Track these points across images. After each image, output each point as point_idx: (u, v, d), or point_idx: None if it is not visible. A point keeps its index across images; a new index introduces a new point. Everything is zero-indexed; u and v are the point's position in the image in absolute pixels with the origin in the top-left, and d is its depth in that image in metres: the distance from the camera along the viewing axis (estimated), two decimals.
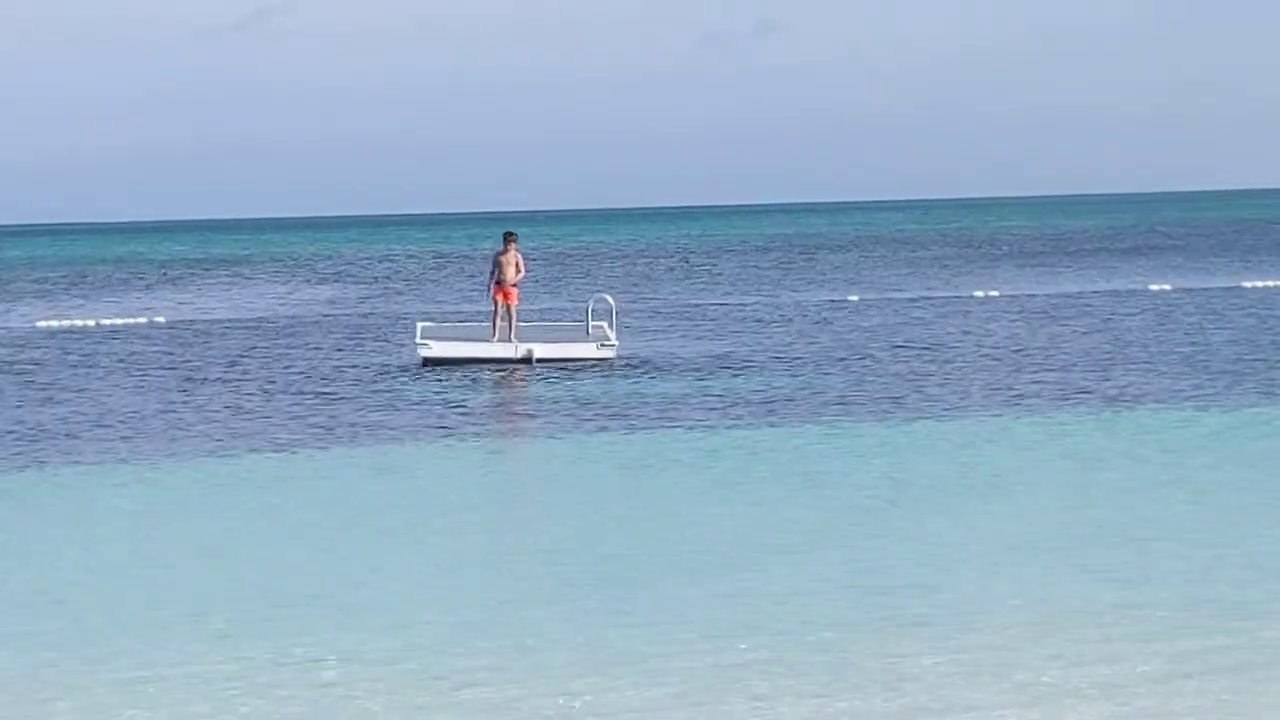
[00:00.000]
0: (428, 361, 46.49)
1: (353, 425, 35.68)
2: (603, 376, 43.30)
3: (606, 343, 46.68)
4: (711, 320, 63.68)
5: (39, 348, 58.59)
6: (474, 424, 35.85)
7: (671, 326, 60.85)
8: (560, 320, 55.18)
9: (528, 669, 17.24)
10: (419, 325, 50.12)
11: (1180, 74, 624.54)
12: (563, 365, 45.14)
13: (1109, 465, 28.77)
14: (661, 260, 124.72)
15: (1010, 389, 39.31)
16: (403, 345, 52.03)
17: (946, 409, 36.14)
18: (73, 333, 65.72)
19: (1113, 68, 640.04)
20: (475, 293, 74.27)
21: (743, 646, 17.74)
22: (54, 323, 71.08)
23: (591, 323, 48.38)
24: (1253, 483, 26.87)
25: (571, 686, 16.52)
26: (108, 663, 17.71)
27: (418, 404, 39.07)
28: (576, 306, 60.86)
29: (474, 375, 44.38)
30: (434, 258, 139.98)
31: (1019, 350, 48.64)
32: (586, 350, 46.35)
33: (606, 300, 49.73)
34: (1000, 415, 34.98)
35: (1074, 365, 43.97)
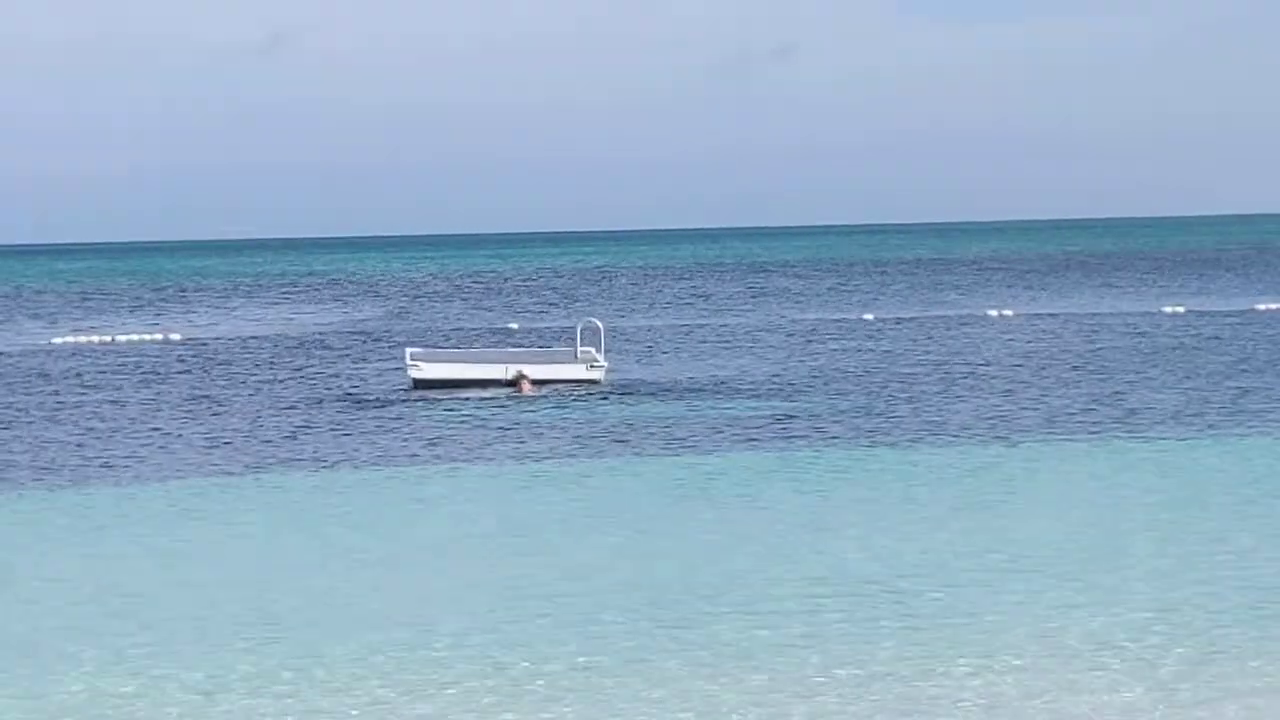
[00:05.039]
0: (418, 383, 46.28)
1: (337, 449, 35.10)
2: (590, 398, 42.83)
3: (595, 364, 46.44)
4: (713, 341, 62.91)
5: (56, 363, 58.51)
6: (462, 446, 35.17)
7: (671, 347, 60.19)
8: (552, 343, 55.19)
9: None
10: (408, 350, 50.08)
11: (1186, 102, 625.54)
12: (552, 387, 44.70)
13: (1112, 490, 28.02)
14: (672, 281, 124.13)
15: (1016, 411, 38.48)
16: (397, 366, 51.60)
17: (949, 431, 35.37)
18: (88, 350, 65.42)
19: (1122, 94, 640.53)
20: (479, 313, 73.76)
21: (760, 663, 17.54)
22: (70, 339, 70.70)
23: (581, 345, 48.05)
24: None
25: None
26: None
27: (406, 426, 38.55)
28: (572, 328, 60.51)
29: (463, 396, 43.91)
30: (454, 277, 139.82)
31: (1030, 371, 47.87)
32: (576, 372, 46.02)
33: (595, 323, 49.61)
34: (1004, 438, 34.20)
35: (1084, 384, 43.25)
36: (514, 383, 44.49)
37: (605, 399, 42.63)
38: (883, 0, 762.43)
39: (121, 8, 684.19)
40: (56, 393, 48.34)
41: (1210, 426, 35.32)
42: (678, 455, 32.97)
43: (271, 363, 57.62)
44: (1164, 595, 20.37)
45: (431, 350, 51.63)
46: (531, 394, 43.46)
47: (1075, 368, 48.76)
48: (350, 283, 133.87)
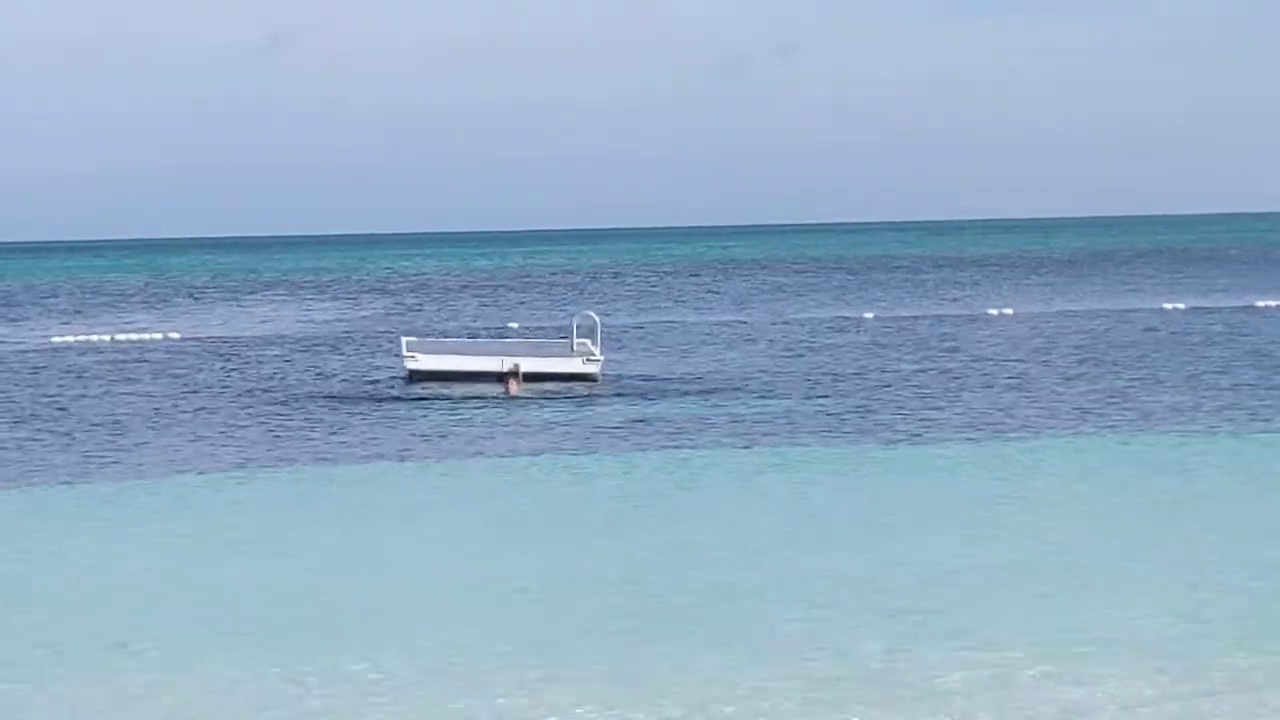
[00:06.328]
0: (414, 374, 46.22)
1: (330, 443, 35.06)
2: (585, 392, 42.74)
3: (591, 358, 46.30)
4: (712, 338, 62.79)
5: (59, 360, 58.40)
6: (457, 440, 35.06)
7: (669, 343, 60.06)
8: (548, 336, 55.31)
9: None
10: (403, 339, 49.97)
11: (1187, 100, 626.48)
12: (547, 379, 44.54)
13: (1121, 488, 27.73)
14: (671, 279, 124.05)
15: (1018, 408, 38.33)
16: (393, 358, 51.64)
17: (950, 428, 35.15)
18: (91, 348, 65.28)
19: (1122, 93, 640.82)
20: (479, 311, 73.46)
21: (755, 665, 17.34)
22: (70, 338, 70.56)
23: (576, 339, 47.99)
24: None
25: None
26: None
27: (401, 420, 38.52)
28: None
29: (459, 388, 43.80)
30: (455, 275, 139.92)
31: (1032, 368, 47.71)
32: (571, 365, 45.88)
33: (591, 317, 49.51)
34: (1006, 435, 33.99)
35: (1086, 381, 43.06)
36: (510, 375, 44.20)
37: (601, 393, 42.49)
38: (883, 0, 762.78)
39: (121, 8, 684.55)
40: (59, 390, 48.25)
41: (1215, 422, 35.15)
42: (673, 450, 32.76)
43: (270, 359, 57.63)
44: (1165, 592, 20.18)
45: (427, 341, 51.59)
46: (519, 393, 43.11)
47: (1078, 365, 48.60)
48: (352, 281, 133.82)
